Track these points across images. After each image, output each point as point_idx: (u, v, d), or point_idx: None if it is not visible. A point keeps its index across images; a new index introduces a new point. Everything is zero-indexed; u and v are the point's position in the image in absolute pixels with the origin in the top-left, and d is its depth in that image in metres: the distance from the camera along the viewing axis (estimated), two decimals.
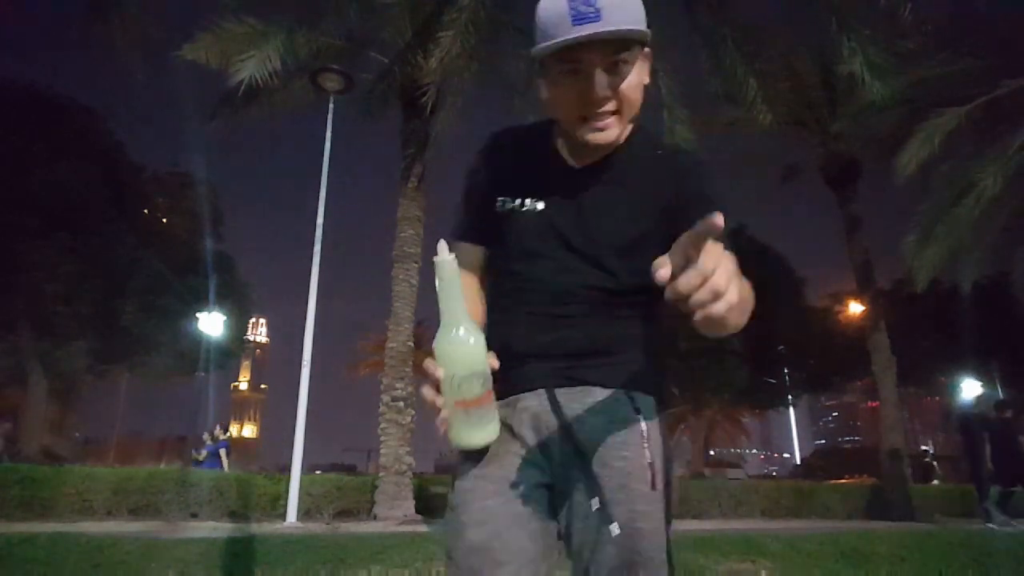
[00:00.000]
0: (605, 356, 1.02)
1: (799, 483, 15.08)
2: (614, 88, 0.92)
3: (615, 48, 0.89)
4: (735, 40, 8.46)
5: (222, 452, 12.11)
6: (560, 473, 0.99)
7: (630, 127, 1.04)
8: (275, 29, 8.43)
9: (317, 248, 9.33)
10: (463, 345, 0.87)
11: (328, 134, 9.93)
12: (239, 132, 11.56)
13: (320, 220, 9.50)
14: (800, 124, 13.66)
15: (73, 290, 14.59)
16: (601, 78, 0.91)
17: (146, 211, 18.13)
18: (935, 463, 24.02)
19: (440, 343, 0.87)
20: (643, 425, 0.99)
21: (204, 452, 12.31)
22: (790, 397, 25.22)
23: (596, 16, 0.86)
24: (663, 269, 0.62)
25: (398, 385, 8.87)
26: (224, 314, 17.52)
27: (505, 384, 1.00)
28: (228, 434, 13.04)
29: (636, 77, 0.94)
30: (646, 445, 0.97)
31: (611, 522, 0.92)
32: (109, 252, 15.17)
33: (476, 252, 1.13)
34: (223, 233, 19.95)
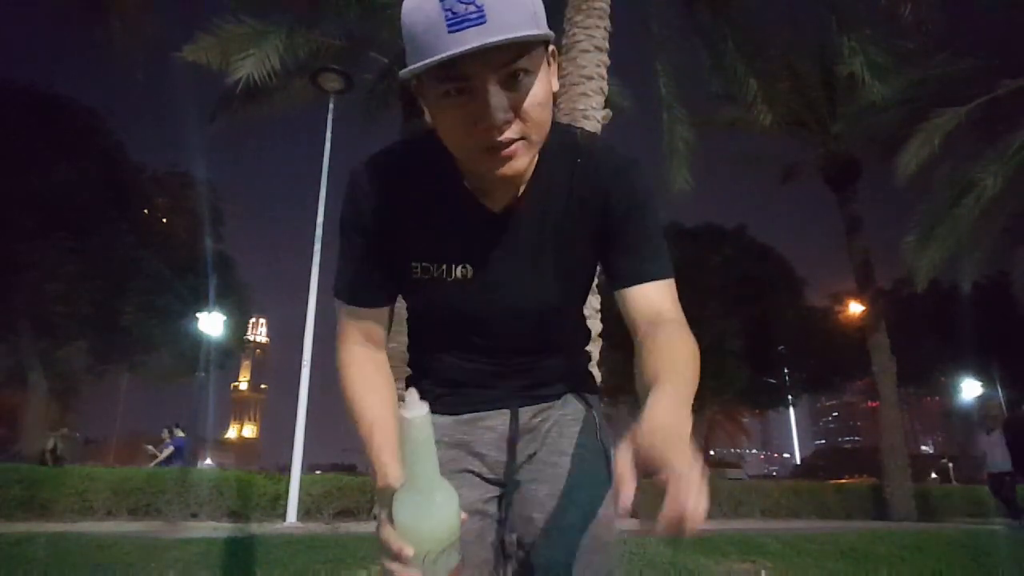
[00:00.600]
0: (560, 379, 1.04)
1: (799, 483, 15.09)
2: (516, 107, 0.71)
3: (510, 55, 0.69)
4: (735, 40, 8.46)
5: (166, 451, 11.68)
6: (518, 475, 0.99)
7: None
8: (274, 29, 8.44)
9: (317, 248, 9.33)
10: (441, 516, 0.70)
11: (328, 134, 9.93)
12: (239, 132, 11.58)
13: (320, 220, 9.50)
14: (800, 124, 13.67)
15: (73, 290, 14.58)
16: (498, 97, 0.70)
17: (146, 211, 18.09)
18: (951, 465, 23.95)
19: (411, 516, 0.69)
20: (595, 417, 1.04)
21: (166, 451, 11.89)
22: (790, 397, 25.22)
23: (479, 16, 0.65)
24: (625, 505, 0.57)
25: (398, 385, 8.87)
26: (224, 314, 17.52)
27: (466, 403, 0.99)
28: (180, 433, 12.45)
29: (542, 88, 0.74)
30: (599, 435, 1.02)
31: (573, 505, 0.94)
32: (109, 252, 15.15)
33: (374, 315, 0.93)
34: (223, 233, 19.93)
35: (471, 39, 0.65)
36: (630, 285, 0.89)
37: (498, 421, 0.99)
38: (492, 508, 0.97)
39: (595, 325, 5.14)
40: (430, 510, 0.69)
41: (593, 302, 4.63)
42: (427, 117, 0.82)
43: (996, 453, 9.97)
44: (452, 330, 0.97)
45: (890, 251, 13.72)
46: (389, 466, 0.82)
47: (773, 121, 9.04)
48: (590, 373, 1.10)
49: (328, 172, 9.95)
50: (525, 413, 1.00)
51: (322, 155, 9.91)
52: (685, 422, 0.65)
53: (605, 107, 5.00)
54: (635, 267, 0.89)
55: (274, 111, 11.07)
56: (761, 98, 8.80)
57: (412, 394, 0.66)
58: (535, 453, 1.00)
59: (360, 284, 0.93)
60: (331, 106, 10.00)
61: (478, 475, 0.97)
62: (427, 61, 0.67)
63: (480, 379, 0.99)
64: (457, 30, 0.65)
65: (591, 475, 0.96)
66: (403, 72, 0.70)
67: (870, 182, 14.60)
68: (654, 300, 0.88)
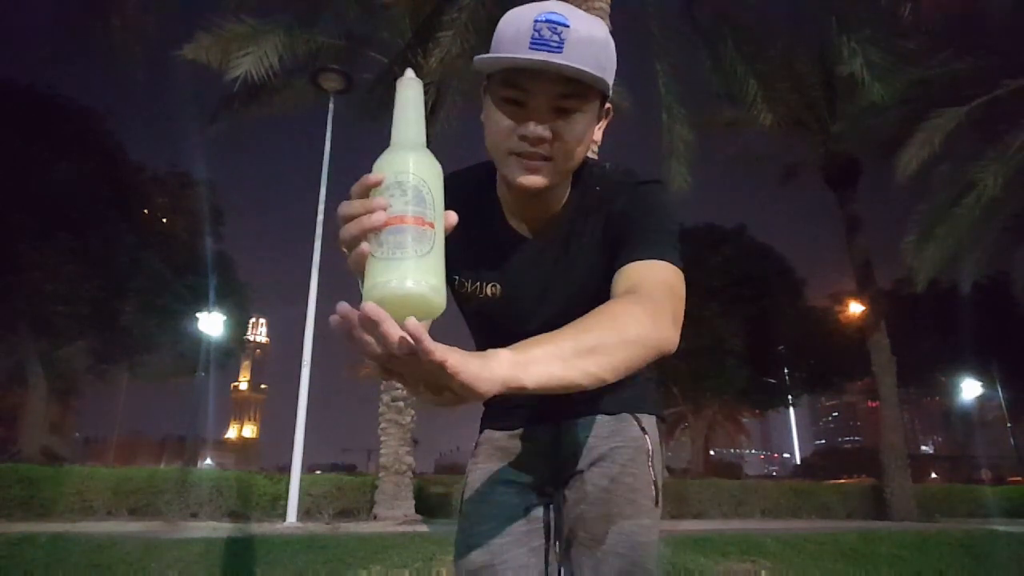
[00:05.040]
0: (607, 392, 1.01)
1: (799, 483, 15.10)
2: (556, 132, 0.80)
3: (567, 89, 0.78)
4: (735, 40, 8.46)
5: None
6: (568, 491, 1.03)
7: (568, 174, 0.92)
8: (274, 27, 8.45)
9: (317, 248, 9.33)
10: (417, 159, 0.64)
11: (328, 134, 9.93)
12: (239, 132, 11.57)
13: (320, 220, 9.50)
14: (800, 124, 13.64)
15: (73, 290, 14.56)
16: (543, 116, 0.80)
17: (146, 211, 18.07)
18: None
19: (385, 157, 0.65)
20: (649, 444, 1.04)
21: None
22: (790, 397, 25.20)
23: (558, 47, 0.75)
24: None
25: (398, 385, 8.86)
26: (224, 314, 17.51)
27: (516, 419, 1.09)
28: None
29: (583, 128, 0.83)
30: (651, 464, 1.02)
31: (619, 533, 0.96)
32: (109, 252, 15.14)
33: None
34: (223, 233, 19.91)
35: (540, 58, 0.75)
36: (619, 267, 0.85)
37: (544, 434, 1.07)
38: (537, 514, 1.05)
39: None
40: (407, 154, 0.64)
41: None
42: (482, 116, 0.89)
43: None
44: (492, 344, 1.00)
45: (890, 251, 13.72)
46: None
47: (773, 121, 9.03)
48: (648, 393, 1.09)
49: (328, 172, 9.95)
50: (568, 427, 1.06)
51: (322, 155, 9.90)
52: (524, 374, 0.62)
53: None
54: (626, 253, 0.86)
55: (274, 111, 11.06)
56: (761, 98, 8.80)
57: (409, 71, 0.69)
58: (583, 471, 1.02)
59: None
60: (331, 106, 10.00)
61: (524, 484, 1.05)
62: (497, 57, 0.78)
63: (521, 396, 1.02)
64: (536, 49, 0.75)
65: (638, 504, 0.98)
66: (475, 60, 0.80)
67: (870, 182, 14.60)
68: (634, 275, 0.82)
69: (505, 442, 1.09)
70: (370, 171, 0.64)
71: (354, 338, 0.55)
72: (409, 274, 0.57)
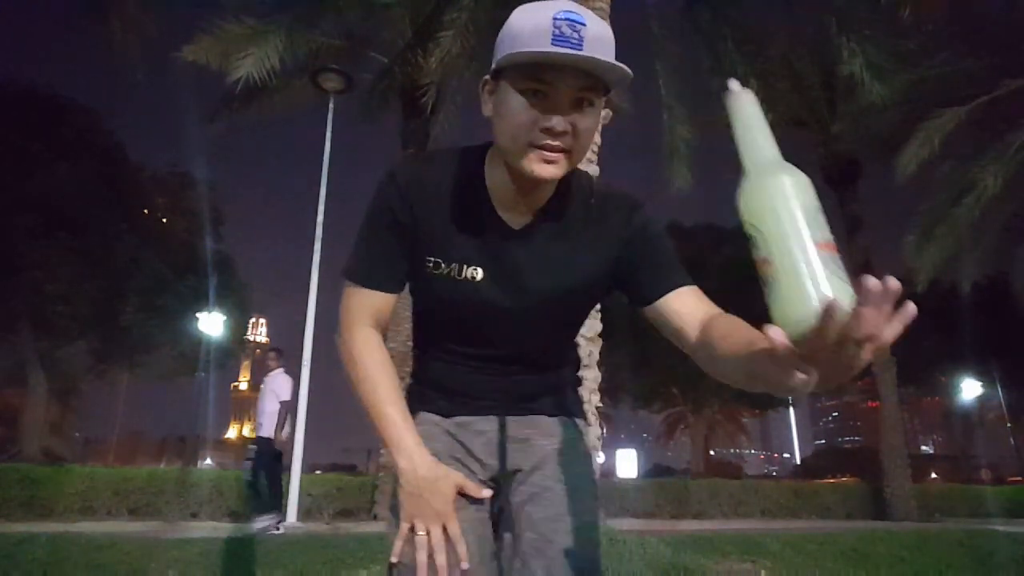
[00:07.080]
0: (551, 393, 1.10)
1: (799, 483, 15.11)
2: (573, 125, 0.84)
3: (586, 84, 0.83)
4: (735, 40, 8.45)
5: None
6: (512, 487, 1.04)
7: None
8: (274, 28, 8.45)
9: (317, 248, 9.34)
10: (797, 186, 0.62)
11: (328, 134, 9.94)
12: (239, 132, 11.60)
13: (320, 220, 9.51)
14: (800, 124, 13.66)
15: (73, 290, 14.58)
16: (564, 110, 0.83)
17: (146, 211, 18.09)
18: None
19: (758, 196, 0.63)
20: (585, 445, 1.10)
21: None
22: (790, 397, 25.21)
23: (578, 44, 0.79)
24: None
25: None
26: (224, 314, 17.51)
27: (458, 407, 1.06)
28: None
29: (594, 121, 0.88)
30: (588, 461, 1.08)
31: (566, 530, 0.98)
32: (109, 252, 15.16)
33: (384, 300, 1.00)
34: (223, 233, 19.94)
35: (573, 52, 0.79)
36: (668, 291, 0.95)
37: (487, 427, 1.06)
38: (489, 507, 1.03)
39: (595, 325, 5.13)
40: (780, 185, 0.62)
41: None
42: (486, 109, 0.91)
43: (268, 404, 6.64)
44: (450, 330, 1.04)
45: (890, 251, 13.74)
46: (415, 450, 0.94)
47: (773, 121, 8.95)
48: (579, 399, 1.16)
49: (328, 172, 9.95)
50: (512, 422, 1.06)
51: (322, 155, 9.91)
52: None
53: (605, 107, 4.99)
54: (668, 277, 0.96)
55: (274, 111, 11.08)
56: (761, 98, 8.73)
57: (733, 82, 0.71)
58: (527, 471, 1.04)
59: (376, 267, 0.99)
60: (331, 106, 10.00)
61: (470, 470, 1.03)
62: (529, 51, 0.79)
63: (470, 385, 1.05)
64: (558, 45, 0.79)
65: (584, 503, 1.02)
66: (500, 56, 0.83)
67: (870, 182, 14.62)
68: (702, 301, 0.94)
69: (448, 426, 1.06)
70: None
71: (881, 311, 0.56)
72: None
